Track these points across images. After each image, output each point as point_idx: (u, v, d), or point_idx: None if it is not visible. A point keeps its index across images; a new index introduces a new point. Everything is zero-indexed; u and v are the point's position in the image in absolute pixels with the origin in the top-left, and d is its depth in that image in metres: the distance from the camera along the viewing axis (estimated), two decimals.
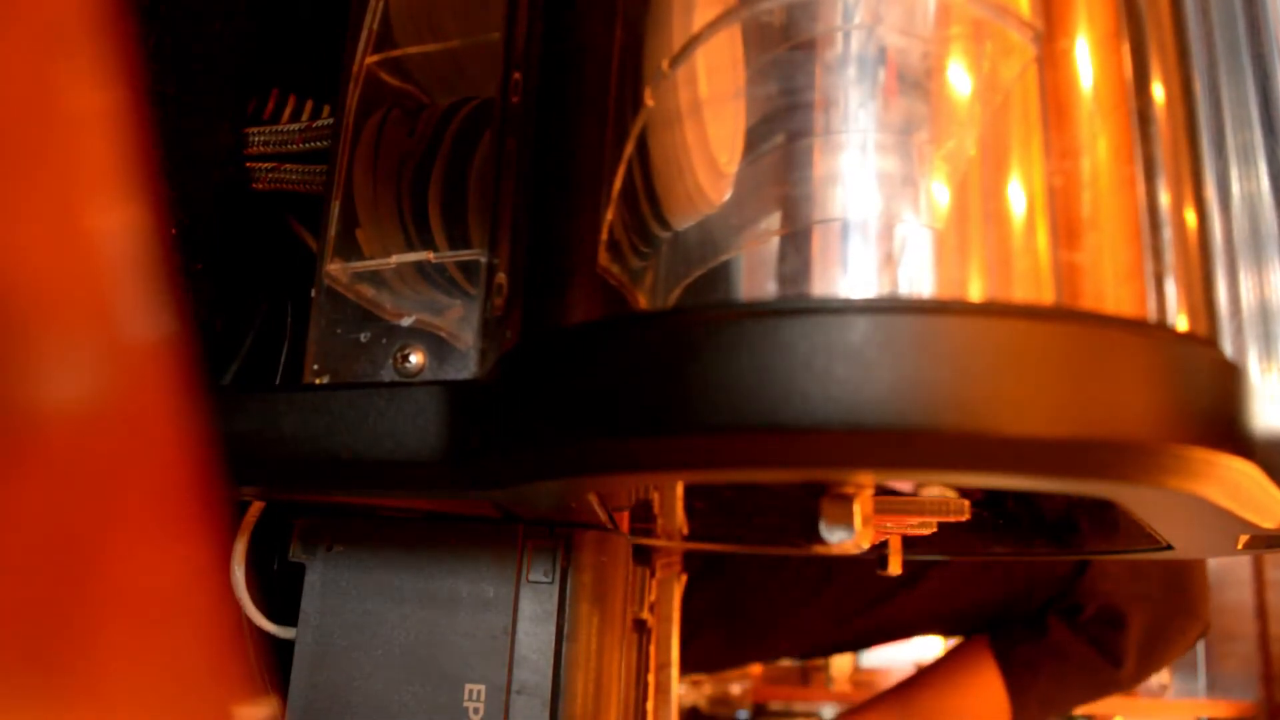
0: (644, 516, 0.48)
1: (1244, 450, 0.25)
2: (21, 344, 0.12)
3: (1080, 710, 2.25)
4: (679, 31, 0.27)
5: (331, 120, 0.41)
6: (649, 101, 0.27)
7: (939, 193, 0.24)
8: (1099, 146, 0.25)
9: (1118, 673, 0.83)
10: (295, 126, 0.44)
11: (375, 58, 0.37)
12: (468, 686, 0.38)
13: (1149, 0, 0.27)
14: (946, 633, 0.93)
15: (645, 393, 0.24)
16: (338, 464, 0.31)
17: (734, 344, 0.23)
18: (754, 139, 0.25)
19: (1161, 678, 2.31)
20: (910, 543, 0.45)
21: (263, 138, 0.44)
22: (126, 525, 0.13)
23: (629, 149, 0.27)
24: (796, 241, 0.24)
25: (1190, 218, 0.26)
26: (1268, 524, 0.29)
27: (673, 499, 0.48)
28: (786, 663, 2.32)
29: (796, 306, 0.23)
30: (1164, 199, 0.26)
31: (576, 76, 0.29)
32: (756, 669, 2.25)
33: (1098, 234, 0.24)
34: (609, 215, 0.27)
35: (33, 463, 0.12)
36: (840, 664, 2.32)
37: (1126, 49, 0.26)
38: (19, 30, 0.12)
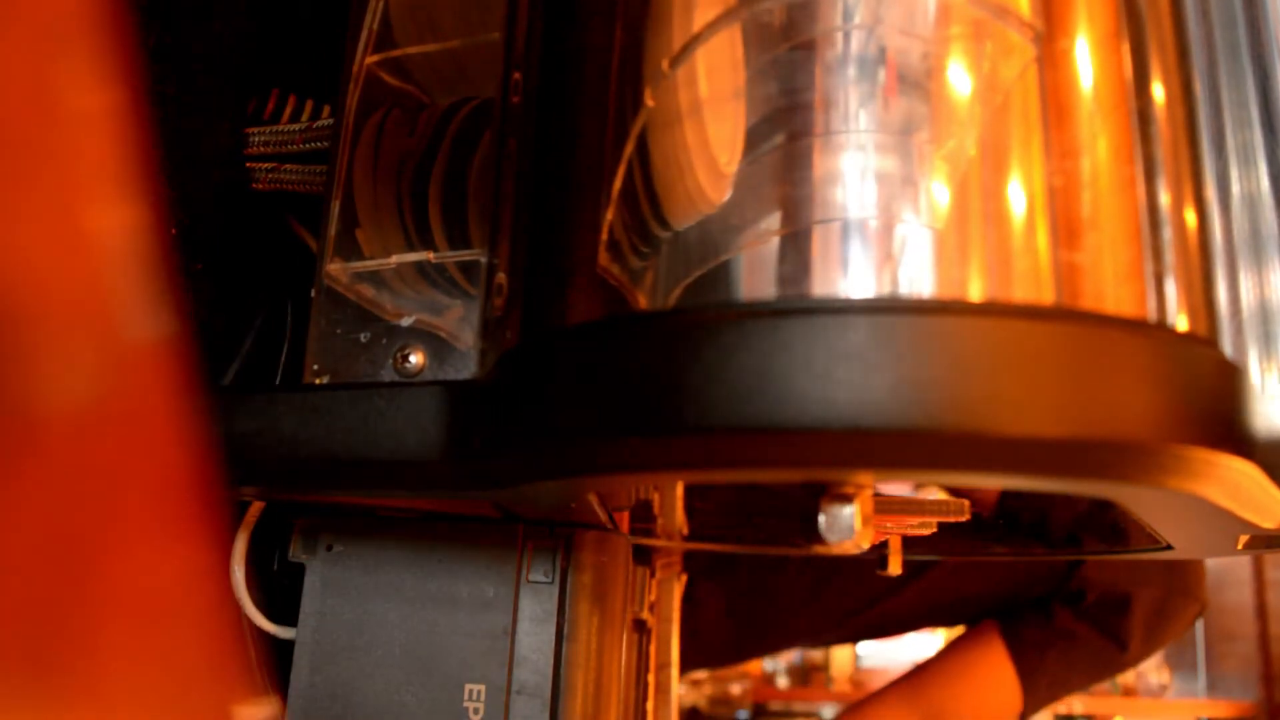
0: (644, 516, 0.48)
1: (1244, 450, 0.25)
2: (21, 344, 0.12)
3: (1084, 711, 2.24)
4: (679, 31, 0.27)
5: (331, 120, 0.41)
6: (649, 101, 0.27)
7: (939, 193, 0.24)
8: (1099, 146, 0.25)
9: (1123, 655, 0.85)
10: (295, 126, 0.44)
11: (375, 58, 0.37)
12: (468, 686, 0.38)
13: (1149, 0, 0.27)
14: (951, 623, 0.94)
15: (645, 393, 0.24)
16: (338, 464, 0.31)
17: (734, 344, 0.23)
18: (754, 139, 0.25)
19: (1162, 678, 2.31)
20: (910, 543, 0.45)
21: (263, 138, 0.44)
22: (126, 525, 0.13)
23: (629, 149, 0.27)
24: (796, 242, 0.24)
25: (1190, 218, 0.26)
26: (1268, 524, 0.29)
27: (673, 499, 0.48)
28: (786, 662, 2.32)
29: (796, 307, 0.23)
30: (1164, 199, 0.26)
31: (576, 76, 0.29)
32: (757, 669, 2.25)
33: (1098, 234, 0.24)
34: (609, 215, 0.27)
35: (33, 463, 0.12)
36: (840, 664, 2.32)
37: (1126, 49, 0.26)
38: (19, 30, 0.12)
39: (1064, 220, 0.24)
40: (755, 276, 0.24)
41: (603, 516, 0.36)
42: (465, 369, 0.33)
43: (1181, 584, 0.86)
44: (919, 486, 0.56)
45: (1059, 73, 0.25)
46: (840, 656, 2.32)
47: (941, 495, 0.50)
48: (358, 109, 0.37)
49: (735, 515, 0.51)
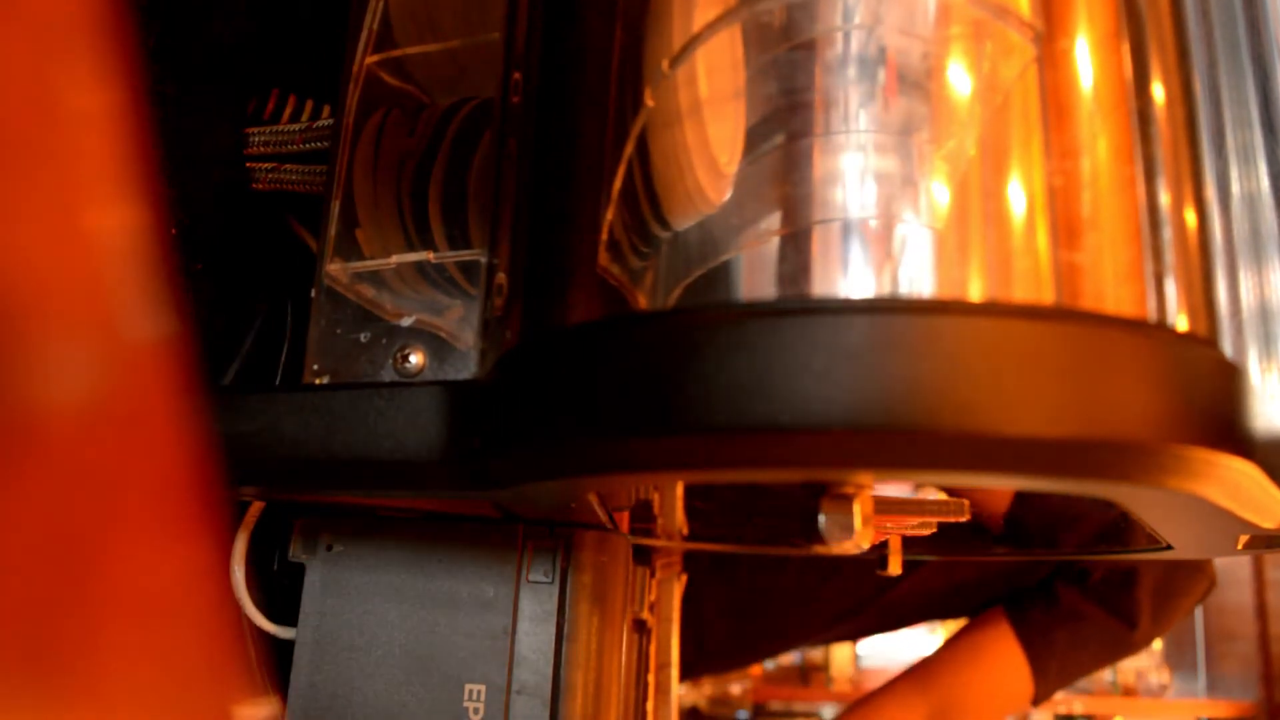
0: (644, 516, 0.48)
1: (1244, 450, 0.25)
2: (21, 344, 0.12)
3: (1084, 711, 2.24)
4: (679, 31, 0.27)
5: (331, 120, 0.41)
6: (649, 102, 0.27)
7: (939, 193, 0.24)
8: (1099, 146, 0.25)
9: (1133, 633, 0.84)
10: (295, 126, 0.44)
11: (375, 58, 0.37)
12: (468, 686, 0.38)
13: (1149, 0, 0.27)
14: (955, 613, 0.93)
15: (645, 393, 0.24)
16: (338, 464, 0.31)
17: (734, 344, 0.23)
18: (754, 139, 0.25)
19: (1162, 678, 2.31)
20: (910, 542, 0.45)
21: (263, 138, 0.44)
22: (126, 525, 0.13)
23: (629, 149, 0.27)
24: (796, 241, 0.24)
25: (1190, 218, 0.26)
26: (1268, 524, 0.29)
27: (673, 499, 0.48)
28: (786, 662, 2.32)
29: (796, 307, 0.23)
30: (1164, 199, 0.26)
31: (576, 76, 0.29)
32: (757, 669, 2.25)
33: (1098, 234, 0.24)
34: (609, 215, 0.27)
35: (33, 463, 0.12)
36: (840, 664, 2.32)
37: (1126, 49, 0.26)
38: (19, 30, 0.12)
39: (1064, 220, 0.24)
40: (755, 276, 0.24)
41: (603, 516, 0.36)
42: (465, 369, 0.33)
43: (1189, 560, 0.84)
44: (919, 487, 0.56)
45: (1059, 73, 0.25)
46: (840, 656, 2.32)
47: (941, 496, 0.50)
48: (358, 109, 0.37)
49: (735, 515, 0.51)
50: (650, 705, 0.53)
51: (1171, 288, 0.25)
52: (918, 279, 0.23)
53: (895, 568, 0.43)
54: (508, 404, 0.28)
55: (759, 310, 0.23)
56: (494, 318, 0.32)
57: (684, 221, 0.26)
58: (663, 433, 0.23)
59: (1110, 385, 0.23)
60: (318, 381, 0.34)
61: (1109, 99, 0.26)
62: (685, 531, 0.51)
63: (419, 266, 0.34)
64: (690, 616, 0.85)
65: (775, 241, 0.24)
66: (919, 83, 0.25)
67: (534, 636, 0.38)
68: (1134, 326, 0.24)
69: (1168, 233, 0.25)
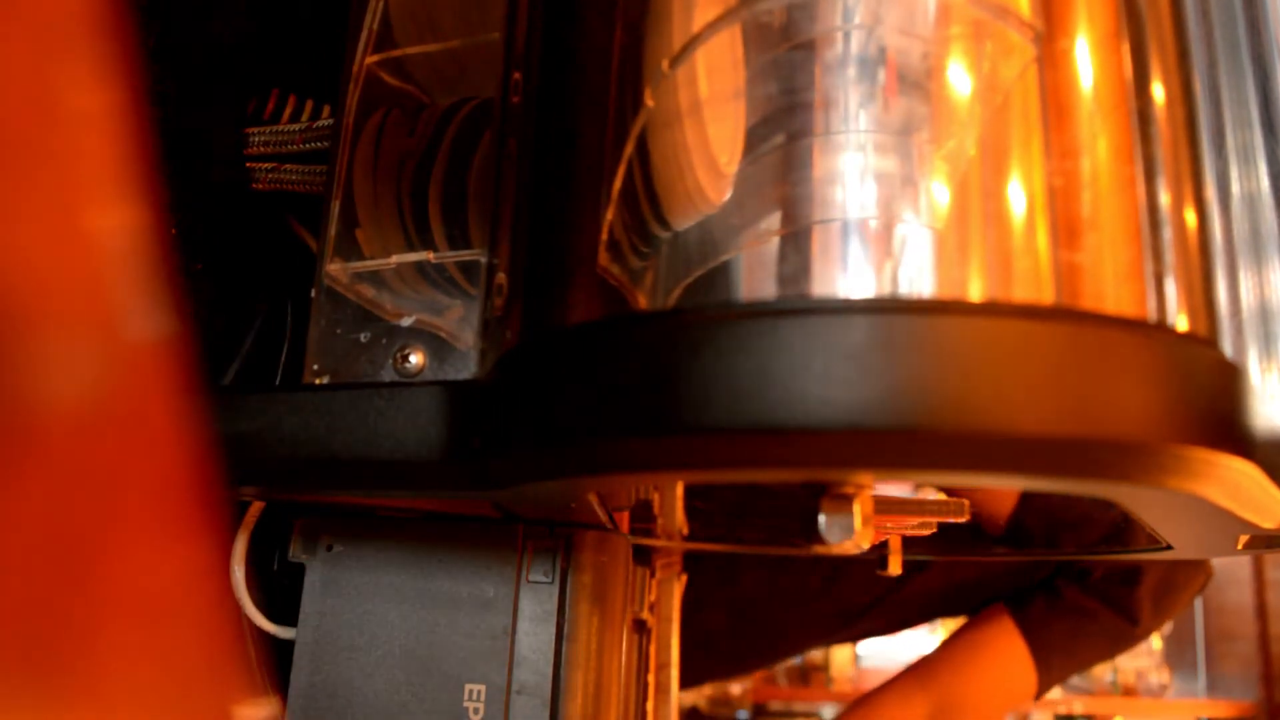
0: (644, 516, 0.48)
1: (1244, 450, 0.25)
2: (21, 344, 0.12)
3: (1084, 711, 2.24)
4: (679, 31, 0.27)
5: (331, 120, 0.41)
6: (649, 101, 0.27)
7: (939, 193, 0.24)
8: (1099, 146, 0.25)
9: (1134, 628, 0.84)
10: (295, 126, 0.44)
11: (375, 58, 0.37)
12: (468, 686, 0.38)
13: (1149, 0, 0.27)
14: (960, 611, 0.93)
15: (645, 393, 0.24)
16: (338, 464, 0.31)
17: (734, 344, 0.23)
18: (754, 139, 0.25)
19: (1162, 678, 2.31)
20: (910, 542, 0.45)
21: (263, 138, 0.44)
22: (126, 525, 0.13)
23: (629, 149, 0.27)
24: (796, 241, 0.24)
25: (1190, 218, 0.26)
26: (1268, 524, 0.29)
27: (673, 499, 0.48)
28: (786, 662, 2.32)
29: (796, 307, 0.23)
30: (1164, 199, 0.26)
31: (576, 76, 0.29)
32: (757, 671, 2.25)
33: (1098, 234, 0.24)
34: (609, 215, 0.27)
35: (33, 463, 0.12)
36: (840, 664, 2.32)
37: (1126, 49, 0.26)
38: (19, 30, 0.12)
39: (1064, 220, 0.24)
40: (755, 276, 0.24)
41: (603, 516, 0.36)
42: (465, 369, 0.33)
43: None
44: (919, 487, 0.56)
45: (1059, 73, 0.25)
46: (840, 656, 2.32)
47: (940, 496, 0.50)
48: (358, 109, 0.37)
49: (735, 515, 0.51)
50: (650, 705, 0.53)
51: (1171, 288, 0.25)
52: (918, 279, 0.23)
53: (895, 568, 0.43)
54: (508, 404, 0.28)
55: (759, 310, 0.23)
56: (494, 318, 0.32)
57: (684, 221, 0.26)
58: (663, 433, 0.23)
59: (1110, 385, 0.23)
60: (318, 381, 0.34)
61: (1109, 99, 0.26)
62: (685, 531, 0.51)
63: (419, 266, 0.34)
64: (696, 624, 0.85)
65: (775, 241, 0.24)
66: (919, 83, 0.25)
67: (534, 636, 0.38)
68: (1134, 326, 0.24)
69: (1168, 233, 0.25)
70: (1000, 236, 0.24)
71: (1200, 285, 0.26)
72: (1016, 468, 0.23)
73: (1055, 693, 2.18)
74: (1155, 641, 2.32)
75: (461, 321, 0.33)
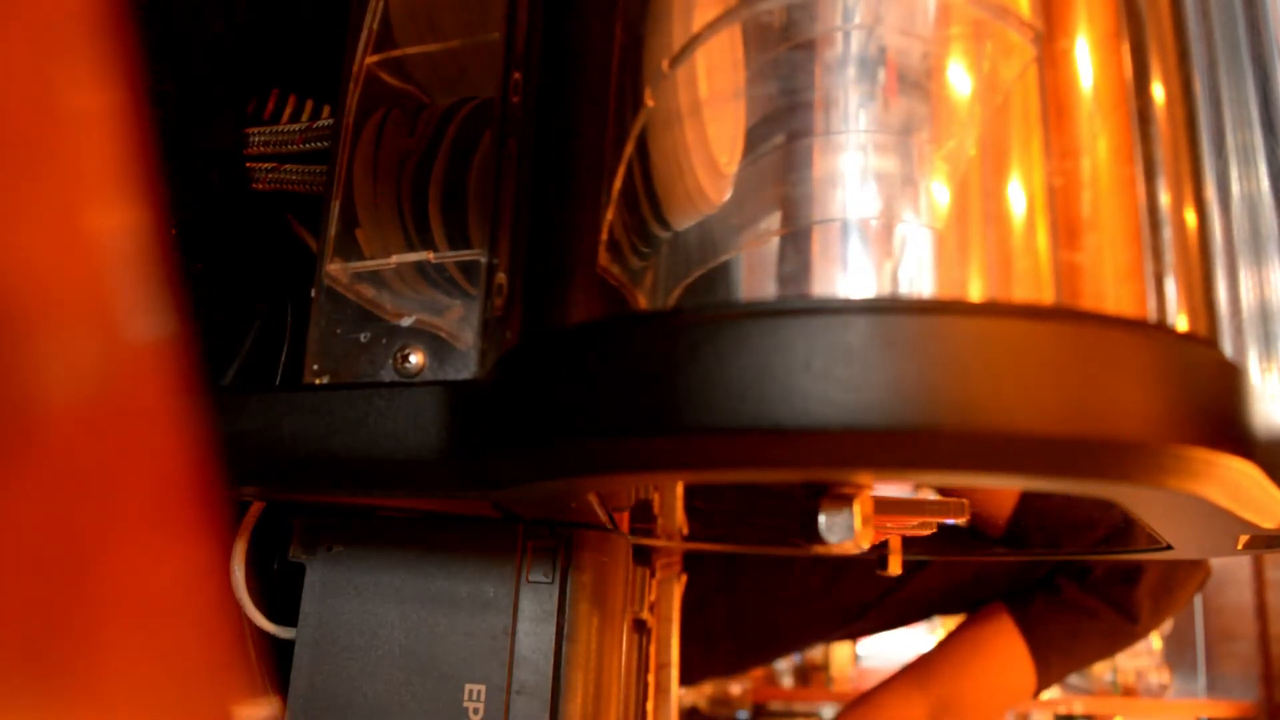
0: (644, 516, 0.48)
1: (1244, 450, 0.25)
2: (22, 344, 0.12)
3: (1084, 711, 2.24)
4: (679, 31, 0.27)
5: (331, 120, 0.41)
6: (649, 102, 0.27)
7: (939, 193, 0.24)
8: (1099, 146, 0.25)
9: (1133, 627, 0.84)
10: (295, 126, 0.44)
11: (375, 58, 0.37)
12: (468, 686, 0.38)
13: (1149, 0, 0.27)
14: (961, 608, 0.93)
15: (645, 393, 0.24)
16: (338, 464, 0.31)
17: (734, 344, 0.23)
18: (754, 139, 0.25)
19: (1162, 678, 2.31)
20: (910, 542, 0.45)
21: (263, 138, 0.44)
22: (126, 525, 0.13)
23: (629, 149, 0.27)
24: (796, 241, 0.24)
25: (1190, 218, 0.26)
26: (1268, 524, 0.29)
27: (673, 499, 0.48)
28: (787, 662, 2.32)
29: (796, 306, 0.23)
30: (1164, 199, 0.26)
31: (576, 77, 0.29)
32: (757, 669, 2.25)
33: (1098, 234, 0.24)
34: (609, 215, 0.27)
35: (33, 463, 0.12)
36: (840, 664, 2.32)
37: (1126, 49, 0.26)
38: (19, 30, 0.12)
39: (1064, 220, 0.24)
40: (755, 276, 0.24)
41: (603, 516, 0.36)
42: (465, 369, 0.33)
43: None
44: (919, 487, 0.56)
45: (1059, 73, 0.25)
46: (840, 656, 2.32)
47: (939, 497, 0.50)
48: (358, 109, 0.37)
49: (735, 515, 0.51)
50: (650, 705, 0.53)
51: (1171, 288, 0.25)
52: (918, 279, 0.23)
53: (895, 568, 0.43)
54: (508, 404, 0.28)
55: (759, 310, 0.23)
56: (494, 318, 0.32)
57: (684, 221, 0.26)
58: (663, 433, 0.23)
59: (1110, 385, 0.23)
60: (318, 381, 0.34)
61: (1109, 99, 0.26)
62: (685, 531, 0.51)
63: (419, 266, 0.34)
64: (697, 624, 0.85)
65: (775, 241, 0.24)
66: (919, 83, 0.25)
67: (534, 636, 0.38)
68: (1134, 326, 0.24)
69: (1168, 233, 0.25)
70: (1000, 236, 0.24)
71: (1200, 285, 0.26)
72: (1016, 468, 0.23)
73: (1055, 692, 2.18)
74: (1155, 641, 2.32)
75: (461, 321, 0.33)
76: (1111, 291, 0.24)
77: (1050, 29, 0.25)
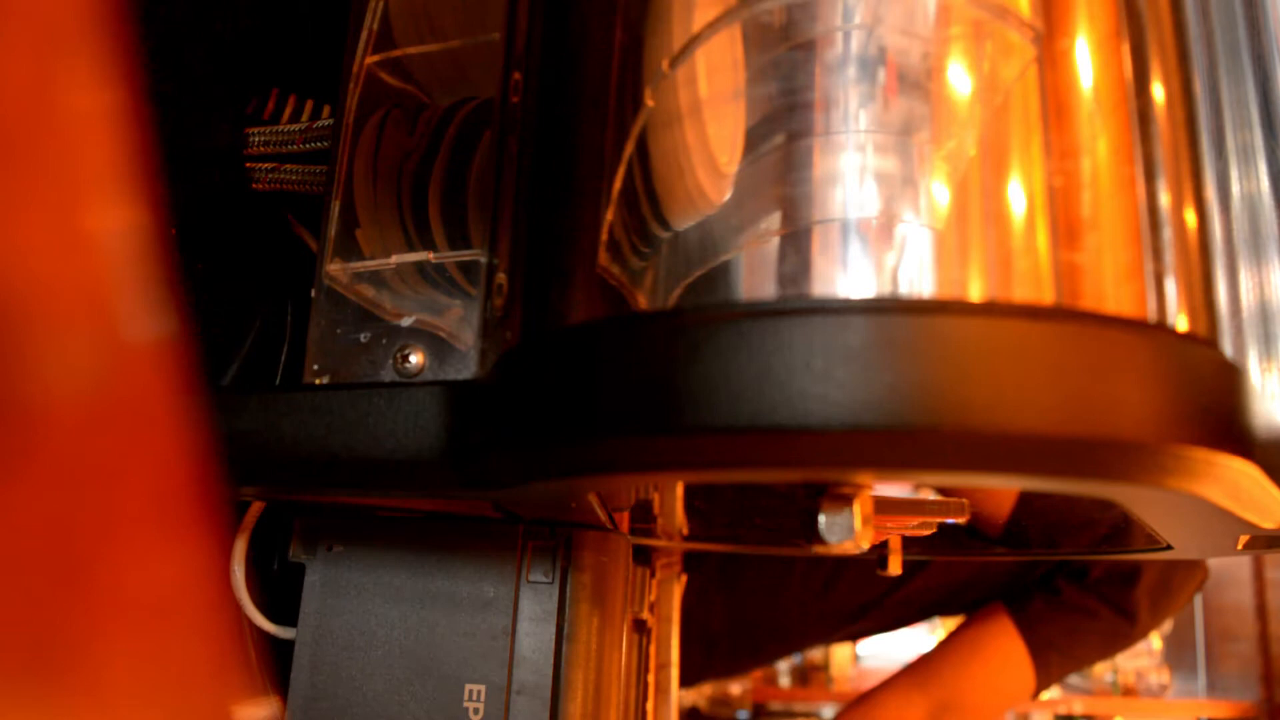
0: (644, 516, 0.48)
1: (1244, 450, 0.25)
2: (22, 344, 0.12)
3: (1084, 712, 2.24)
4: (679, 31, 0.27)
5: (331, 120, 0.41)
6: (649, 102, 0.27)
7: (939, 193, 0.24)
8: (1099, 146, 0.25)
9: (1132, 627, 0.85)
10: (295, 126, 0.44)
11: (375, 58, 0.37)
12: (468, 686, 0.38)
13: (1149, 0, 0.27)
14: (960, 609, 0.93)
15: (645, 393, 0.24)
16: (338, 464, 0.31)
17: (734, 344, 0.23)
18: (754, 139, 0.25)
19: (1162, 678, 2.31)
20: (910, 542, 0.45)
21: (263, 138, 0.44)
22: (126, 525, 0.13)
23: (629, 149, 0.27)
24: (796, 241, 0.24)
25: (1190, 218, 0.26)
26: (1268, 524, 0.29)
27: (673, 499, 0.48)
28: (787, 662, 2.32)
29: (796, 307, 0.23)
30: (1164, 199, 0.26)
31: (576, 76, 0.29)
32: (756, 669, 2.25)
33: (1098, 234, 0.24)
34: (609, 215, 0.27)
35: (33, 463, 0.12)
36: (840, 664, 2.32)
37: (1126, 49, 0.26)
38: (19, 30, 0.12)
39: (1064, 220, 0.24)
40: (755, 276, 0.24)
41: (603, 516, 0.36)
42: (465, 369, 0.33)
43: None
44: (918, 487, 0.56)
45: (1059, 73, 0.25)
46: (840, 656, 2.32)
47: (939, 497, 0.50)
48: (358, 109, 0.37)
49: (736, 515, 0.51)
50: (650, 705, 0.53)
51: (1171, 288, 0.25)
52: (918, 279, 0.23)
53: (895, 568, 0.43)
54: (508, 404, 0.28)
55: (759, 310, 0.23)
56: (494, 318, 0.32)
57: (684, 221, 0.26)
58: (662, 433, 0.23)
59: (1110, 385, 0.23)
60: (318, 382, 0.34)
61: (1109, 99, 0.26)
62: (685, 531, 0.51)
63: (419, 266, 0.34)
64: (697, 625, 0.85)
65: (775, 241, 0.24)
66: (919, 83, 0.25)
67: (534, 636, 0.38)
68: (1134, 326, 0.24)
69: (1168, 233, 0.25)
70: (1000, 236, 0.24)
71: (1200, 285, 0.26)
72: (1016, 468, 0.23)
73: (1055, 692, 2.18)
74: (1155, 641, 2.32)
75: (461, 321, 0.33)
76: (1111, 291, 0.24)
77: (1050, 29, 0.25)
